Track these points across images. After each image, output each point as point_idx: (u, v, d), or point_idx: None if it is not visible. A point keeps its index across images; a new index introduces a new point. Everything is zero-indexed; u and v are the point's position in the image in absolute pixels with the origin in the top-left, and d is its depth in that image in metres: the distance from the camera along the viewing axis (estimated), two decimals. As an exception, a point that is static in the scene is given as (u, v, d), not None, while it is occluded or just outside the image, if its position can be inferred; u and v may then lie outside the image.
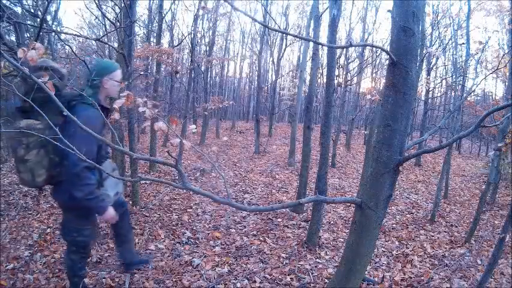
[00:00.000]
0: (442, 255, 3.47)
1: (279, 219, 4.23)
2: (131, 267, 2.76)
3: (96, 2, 4.23)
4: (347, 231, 3.92)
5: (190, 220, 4.14)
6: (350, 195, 5.57)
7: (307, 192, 4.60)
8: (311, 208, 3.88)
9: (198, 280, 2.79)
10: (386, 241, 3.78)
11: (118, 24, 4.75)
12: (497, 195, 5.85)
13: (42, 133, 1.63)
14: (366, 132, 10.64)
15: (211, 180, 5.96)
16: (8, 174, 5.79)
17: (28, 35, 5.80)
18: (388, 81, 1.67)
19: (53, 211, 4.21)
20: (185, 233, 3.73)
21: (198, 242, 3.55)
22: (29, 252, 3.10)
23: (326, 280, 2.83)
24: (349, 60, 11.32)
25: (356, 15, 23.55)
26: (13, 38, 5.96)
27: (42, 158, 1.89)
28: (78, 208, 2.01)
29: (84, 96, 1.89)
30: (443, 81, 12.98)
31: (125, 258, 2.70)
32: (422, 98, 11.89)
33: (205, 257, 3.19)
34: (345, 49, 9.84)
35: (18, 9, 5.93)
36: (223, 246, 3.43)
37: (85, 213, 2.07)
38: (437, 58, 11.52)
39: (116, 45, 6.90)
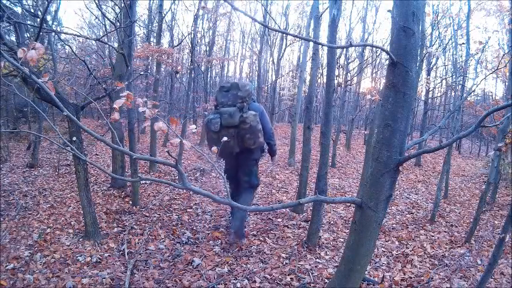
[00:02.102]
0: (442, 255, 3.47)
1: (279, 219, 4.23)
2: (240, 238, 3.44)
3: (96, 2, 4.23)
4: (347, 231, 3.92)
5: (190, 220, 4.14)
6: (350, 195, 5.57)
7: (307, 192, 4.59)
8: (311, 208, 3.88)
9: (198, 280, 2.79)
10: (386, 241, 3.78)
11: (118, 24, 4.75)
12: (497, 195, 5.84)
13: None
14: (366, 132, 10.63)
15: (211, 180, 5.96)
16: (8, 174, 5.80)
17: (28, 35, 5.80)
18: (388, 81, 1.67)
19: (53, 211, 4.21)
20: (185, 233, 3.73)
21: (198, 242, 3.55)
22: (29, 252, 3.10)
23: (326, 280, 2.83)
24: (349, 60, 11.31)
25: (356, 15, 23.52)
26: (13, 38, 5.97)
27: (234, 141, 3.34)
28: (258, 160, 3.70)
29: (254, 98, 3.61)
30: (443, 81, 12.98)
31: (235, 227, 3.44)
32: (422, 98, 11.89)
33: (205, 257, 3.19)
34: (345, 49, 9.84)
35: (18, 9, 5.93)
36: (223, 246, 3.43)
37: (258, 163, 3.72)
38: (437, 58, 11.52)
39: (116, 45, 6.90)
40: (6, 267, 2.83)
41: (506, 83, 7.18)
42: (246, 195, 3.55)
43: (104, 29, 8.98)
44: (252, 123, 3.28)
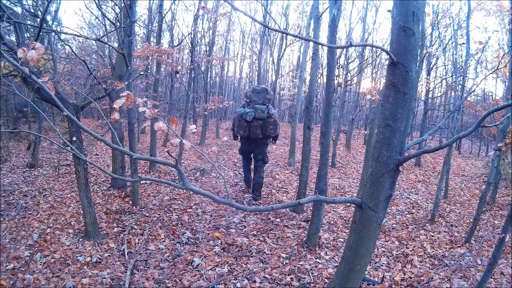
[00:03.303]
0: (442, 255, 3.47)
1: (279, 219, 4.23)
2: (256, 197, 4.95)
3: (96, 2, 4.23)
4: (347, 231, 3.92)
5: (190, 220, 4.14)
6: (350, 195, 5.57)
7: (307, 192, 4.59)
8: (311, 208, 3.88)
9: (198, 280, 2.79)
10: (386, 241, 3.78)
11: (118, 24, 4.75)
12: (497, 195, 5.84)
13: None
14: (366, 132, 10.63)
15: (211, 180, 5.96)
16: (8, 174, 5.80)
17: (28, 35, 5.79)
18: (388, 81, 1.67)
19: (53, 211, 4.21)
20: (185, 233, 3.73)
21: (198, 242, 3.55)
22: (29, 252, 3.11)
23: (326, 280, 2.84)
24: (349, 60, 11.30)
25: (356, 15, 23.55)
26: (13, 38, 5.97)
27: (260, 130, 4.68)
28: (268, 144, 5.01)
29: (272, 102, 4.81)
30: (443, 81, 12.97)
31: (253, 190, 5.02)
32: (422, 98, 11.88)
33: (205, 257, 3.19)
34: (345, 49, 9.84)
35: (18, 9, 5.93)
36: (223, 246, 3.43)
37: (267, 146, 5.05)
38: (437, 58, 11.51)
39: (116, 45, 6.90)
40: (6, 267, 2.83)
41: (506, 83, 7.18)
42: (261, 169, 5.00)
43: (104, 29, 8.99)
44: (276, 119, 4.76)
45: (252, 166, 5.23)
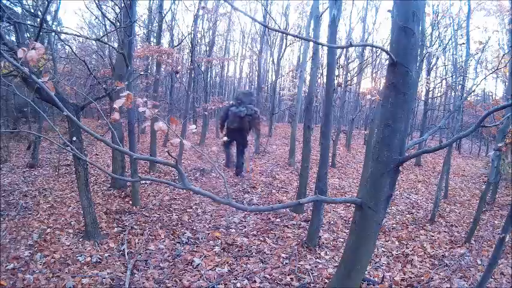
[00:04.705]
0: (442, 255, 3.47)
1: (279, 219, 4.23)
2: (240, 173, 6.19)
3: (96, 2, 4.23)
4: (347, 231, 3.92)
5: (190, 220, 4.14)
6: (350, 195, 5.57)
7: (307, 192, 4.59)
8: (311, 208, 3.88)
9: (198, 280, 2.79)
10: (386, 241, 3.78)
11: (118, 24, 4.75)
12: (497, 195, 5.84)
13: None
14: (366, 132, 10.62)
15: (211, 180, 5.96)
16: (8, 174, 5.80)
17: (28, 35, 5.79)
18: (388, 81, 1.67)
19: (53, 211, 4.21)
20: (185, 233, 3.73)
21: (198, 242, 3.55)
22: (29, 252, 3.10)
23: (326, 280, 2.83)
24: (349, 60, 11.30)
25: (356, 15, 23.53)
26: (13, 38, 5.96)
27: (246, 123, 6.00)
28: (249, 133, 6.30)
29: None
30: (443, 81, 12.96)
31: (236, 166, 6.23)
32: (422, 98, 11.87)
33: (205, 257, 3.19)
34: (345, 49, 9.84)
35: (18, 9, 5.92)
36: (223, 246, 3.43)
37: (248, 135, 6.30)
38: (437, 58, 11.51)
39: (116, 45, 6.90)
40: (6, 267, 2.83)
41: (506, 83, 7.19)
42: (243, 153, 6.29)
43: (104, 29, 8.99)
44: (259, 114, 6.28)
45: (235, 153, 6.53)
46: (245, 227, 4.01)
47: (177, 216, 4.22)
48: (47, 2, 3.23)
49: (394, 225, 4.32)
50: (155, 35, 8.53)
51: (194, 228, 3.90)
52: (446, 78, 11.95)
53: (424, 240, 3.85)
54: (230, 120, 5.98)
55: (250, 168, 6.93)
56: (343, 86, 9.86)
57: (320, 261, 3.17)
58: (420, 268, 3.16)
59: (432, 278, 2.94)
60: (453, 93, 8.99)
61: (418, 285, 2.83)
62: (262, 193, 5.40)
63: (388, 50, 1.66)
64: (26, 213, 4.11)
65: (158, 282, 2.75)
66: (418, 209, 5.12)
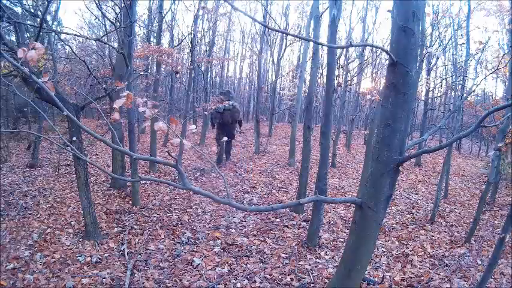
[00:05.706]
0: (442, 255, 3.47)
1: (279, 219, 4.23)
2: (220, 161, 7.02)
3: (96, 2, 4.23)
4: (347, 231, 3.92)
5: (190, 220, 4.14)
6: (350, 195, 5.57)
7: (307, 192, 4.59)
8: (311, 208, 3.88)
9: (198, 280, 2.79)
10: (386, 241, 3.78)
11: (118, 24, 4.75)
12: (497, 195, 5.84)
13: None
14: (366, 132, 10.63)
15: (211, 180, 5.96)
16: (8, 174, 5.80)
17: (28, 35, 5.79)
18: (388, 81, 1.67)
19: (53, 211, 4.21)
20: (185, 233, 3.73)
21: (198, 242, 3.55)
22: (29, 252, 3.11)
23: (326, 280, 2.83)
24: (349, 60, 11.29)
25: (356, 15, 23.56)
26: (13, 38, 5.96)
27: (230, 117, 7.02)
28: (236, 127, 7.46)
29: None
30: (443, 81, 12.96)
31: (219, 154, 7.07)
32: (422, 98, 11.86)
33: (205, 257, 3.19)
34: (344, 49, 9.84)
35: (18, 9, 5.92)
36: (223, 246, 3.43)
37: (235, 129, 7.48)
38: (437, 58, 11.50)
39: (116, 45, 6.90)
40: (6, 267, 2.83)
41: (506, 83, 7.18)
42: (230, 143, 7.47)
43: (104, 29, 8.98)
44: (238, 108, 7.14)
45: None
46: (245, 227, 4.01)
47: (177, 216, 4.22)
48: (47, 2, 3.23)
49: (394, 225, 4.32)
50: (155, 35, 8.53)
51: (194, 228, 3.90)
52: (446, 78, 11.95)
53: (424, 240, 3.85)
54: (213, 117, 7.05)
55: (250, 168, 7.02)
56: (343, 86, 9.86)
57: (320, 261, 3.17)
58: (420, 268, 3.16)
59: (432, 278, 2.94)
60: (453, 93, 9.00)
61: (418, 285, 2.83)
62: (262, 193, 5.40)
63: (388, 50, 1.66)
64: (26, 213, 4.11)
65: (158, 282, 2.75)
66: (418, 209, 5.12)
